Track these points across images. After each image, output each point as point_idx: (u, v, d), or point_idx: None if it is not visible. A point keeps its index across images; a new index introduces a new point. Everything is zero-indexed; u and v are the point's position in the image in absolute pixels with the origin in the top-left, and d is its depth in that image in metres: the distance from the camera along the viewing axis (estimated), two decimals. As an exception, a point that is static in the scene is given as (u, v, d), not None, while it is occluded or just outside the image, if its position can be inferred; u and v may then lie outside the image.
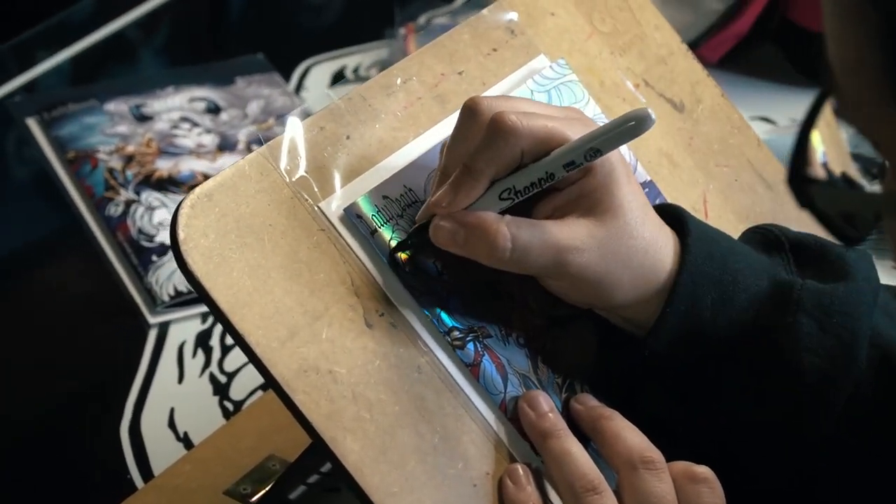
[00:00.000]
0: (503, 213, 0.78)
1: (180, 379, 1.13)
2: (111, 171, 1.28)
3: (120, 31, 1.49)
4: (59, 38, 1.46)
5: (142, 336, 1.15)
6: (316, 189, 0.80)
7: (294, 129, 0.81)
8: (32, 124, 1.34)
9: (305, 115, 0.82)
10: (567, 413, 0.82)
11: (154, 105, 1.37)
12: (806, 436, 0.81)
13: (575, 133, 0.77)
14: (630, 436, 0.79)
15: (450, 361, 0.79)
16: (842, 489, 0.83)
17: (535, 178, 0.77)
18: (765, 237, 0.86)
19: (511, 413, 0.80)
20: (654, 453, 0.78)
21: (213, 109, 1.38)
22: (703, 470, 0.78)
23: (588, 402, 0.82)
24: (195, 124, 1.35)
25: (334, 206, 0.80)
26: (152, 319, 1.17)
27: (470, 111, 0.78)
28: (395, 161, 0.83)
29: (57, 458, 1.06)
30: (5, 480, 1.04)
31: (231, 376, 1.12)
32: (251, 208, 0.77)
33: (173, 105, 1.37)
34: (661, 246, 0.81)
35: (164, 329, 1.16)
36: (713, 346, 0.81)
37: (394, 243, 0.80)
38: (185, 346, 1.15)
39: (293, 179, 0.79)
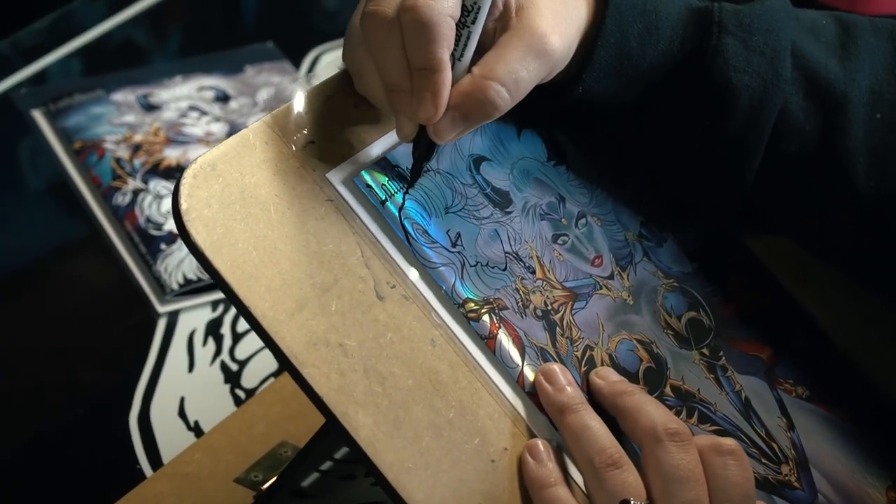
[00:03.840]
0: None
1: (191, 367, 1.10)
2: (118, 160, 1.26)
3: (128, 22, 1.47)
4: (66, 30, 1.44)
5: (151, 325, 1.13)
6: (323, 159, 0.77)
7: (300, 98, 0.78)
8: (38, 116, 1.32)
9: (312, 84, 0.79)
10: (587, 388, 0.79)
11: (162, 94, 1.34)
12: (741, 160, 0.83)
13: None
14: (652, 409, 0.76)
15: (464, 334, 0.77)
16: (777, 202, 0.87)
17: (464, 19, 0.74)
18: None
19: (528, 387, 0.77)
20: (679, 425, 0.75)
21: (222, 98, 1.35)
22: (730, 442, 0.75)
23: (609, 377, 0.80)
24: (204, 113, 1.33)
25: (342, 175, 0.77)
26: (161, 308, 1.14)
27: (375, 21, 0.74)
28: (404, 131, 0.81)
29: (66, 448, 1.03)
30: (15, 469, 1.02)
31: (243, 364, 1.10)
32: (256, 178, 0.75)
33: (181, 94, 1.35)
34: None
35: (173, 318, 1.14)
36: (643, 78, 0.82)
37: (403, 212, 0.77)
38: (196, 334, 1.12)
39: (299, 149, 0.77)
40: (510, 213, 0.82)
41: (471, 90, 0.74)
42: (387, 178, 0.78)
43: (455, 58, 0.75)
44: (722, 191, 0.85)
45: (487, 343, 0.77)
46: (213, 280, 0.72)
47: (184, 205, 0.72)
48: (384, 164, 0.79)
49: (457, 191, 0.81)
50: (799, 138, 0.83)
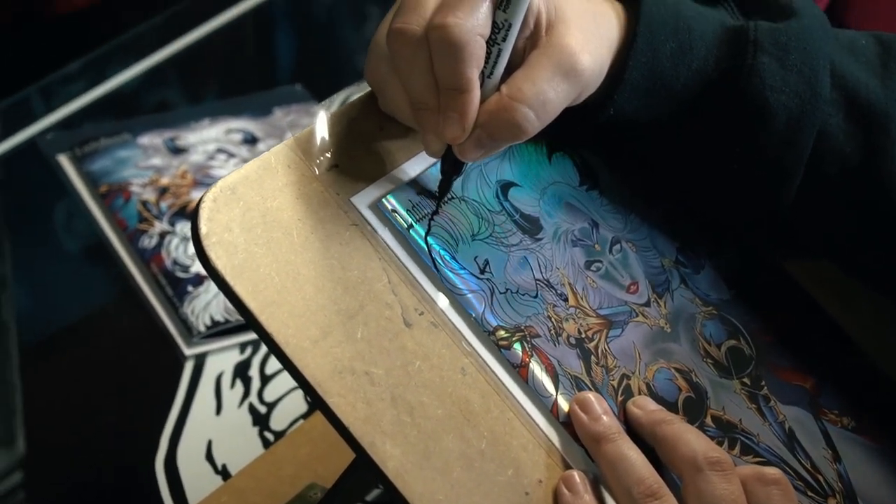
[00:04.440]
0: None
1: (218, 410, 1.08)
2: (145, 203, 1.24)
3: (156, 67, 1.46)
4: (94, 76, 1.43)
5: (178, 368, 1.11)
6: (347, 182, 0.75)
7: (323, 121, 0.76)
8: (64, 160, 1.30)
9: (336, 107, 0.77)
10: (624, 418, 0.76)
11: (189, 137, 1.33)
12: (780, 181, 0.80)
13: None
14: (693, 438, 0.73)
15: (496, 362, 0.74)
16: (818, 225, 0.84)
17: (493, 37, 0.72)
18: None
19: (563, 417, 0.74)
20: (721, 454, 0.72)
21: (250, 140, 1.34)
22: (774, 471, 0.72)
23: (647, 406, 0.77)
24: (231, 155, 1.31)
25: (367, 200, 0.75)
26: (188, 351, 1.12)
27: (402, 39, 0.72)
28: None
29: (92, 491, 1.01)
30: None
31: (271, 406, 1.07)
32: (278, 202, 0.73)
33: (209, 137, 1.33)
34: (608, 14, 0.78)
35: (200, 361, 1.12)
36: (676, 97, 0.79)
37: (430, 238, 0.75)
38: (223, 376, 1.10)
39: (322, 172, 0.75)
40: (540, 239, 0.80)
41: (498, 111, 0.72)
42: (412, 203, 0.76)
43: (484, 76, 0.72)
44: (760, 213, 0.82)
45: (520, 372, 0.74)
46: (234, 306, 0.70)
47: (203, 229, 0.70)
48: (410, 189, 0.76)
49: (483, 218, 0.78)
50: (839, 159, 0.80)
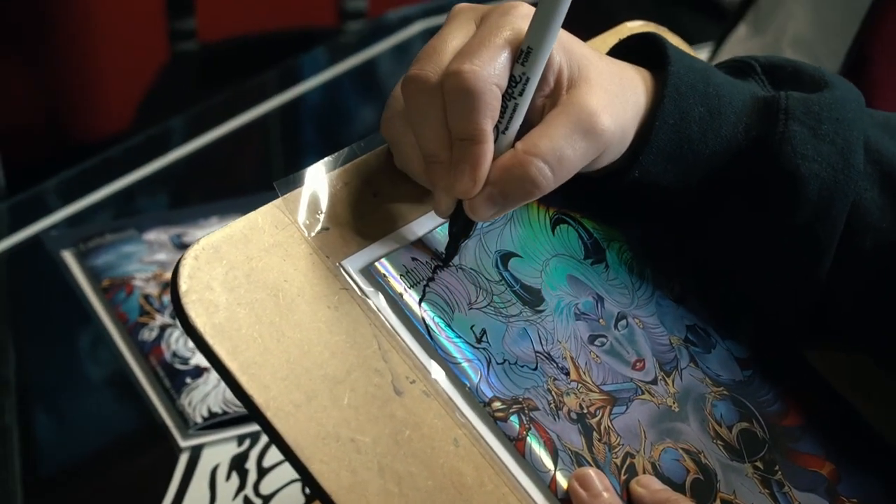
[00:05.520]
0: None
1: (212, 503, 1.03)
2: (146, 297, 1.22)
3: (165, 168, 1.45)
4: (102, 175, 1.42)
5: (172, 460, 1.07)
6: (338, 246, 0.72)
7: (314, 183, 0.73)
8: (68, 256, 1.29)
9: (328, 169, 0.75)
10: (627, 497, 0.72)
11: (196, 234, 1.31)
12: (812, 254, 0.77)
13: (516, 34, 0.70)
14: (698, 516, 0.69)
15: (491, 435, 0.70)
16: (849, 306, 0.80)
17: (509, 91, 0.70)
18: (733, 64, 0.82)
19: (562, 494, 0.70)
20: (727, 532, 0.68)
21: (259, 238, 1.31)
22: None
23: (651, 486, 0.73)
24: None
25: (359, 264, 0.72)
26: (184, 443, 1.09)
27: (416, 87, 0.70)
28: (426, 222, 0.76)
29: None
30: None
31: (267, 499, 1.04)
32: (264, 262, 0.70)
33: (217, 233, 1.31)
34: (635, 81, 0.76)
35: (196, 453, 1.08)
36: (704, 164, 0.77)
37: (424, 305, 0.72)
38: (219, 469, 1.06)
39: (313, 234, 0.72)
40: (542, 311, 0.76)
41: (512, 166, 0.70)
42: (406, 269, 0.73)
43: (499, 131, 0.70)
44: (791, 288, 0.79)
45: (516, 445, 0.70)
46: (214, 368, 0.67)
47: (183, 286, 0.67)
48: (404, 254, 0.73)
49: (482, 287, 0.75)
50: (874, 235, 0.77)
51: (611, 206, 0.81)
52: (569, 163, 0.70)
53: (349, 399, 0.68)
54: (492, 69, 0.68)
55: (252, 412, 0.66)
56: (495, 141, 0.70)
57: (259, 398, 0.65)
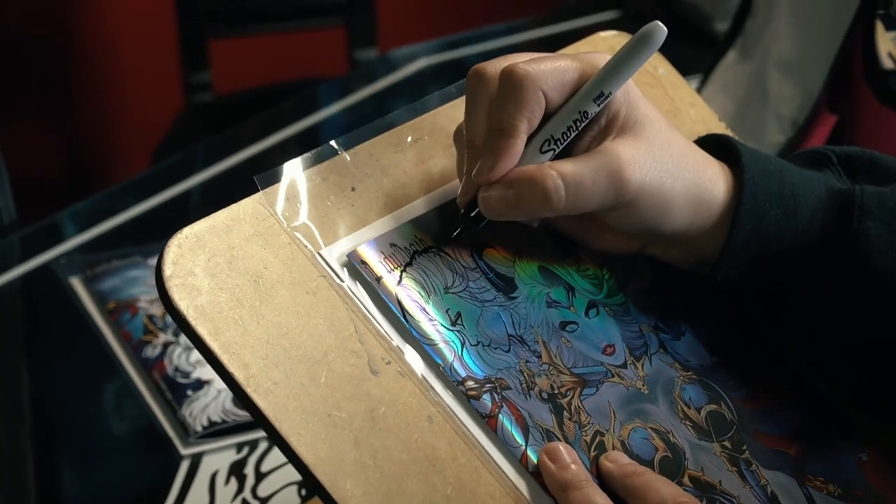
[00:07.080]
0: None
1: (210, 506, 1.07)
2: (150, 317, 1.26)
3: (174, 199, 1.49)
4: (115, 205, 1.46)
5: (173, 467, 1.10)
6: (316, 236, 0.76)
7: (294, 178, 0.77)
8: (76, 283, 1.33)
9: (306, 165, 0.78)
10: (596, 472, 0.75)
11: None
12: (887, 346, 0.79)
13: (587, 65, 0.75)
14: (662, 486, 0.73)
15: (464, 412, 0.73)
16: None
17: (570, 121, 0.75)
18: (810, 155, 0.84)
19: (532, 467, 0.73)
20: (689, 499, 0.71)
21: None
22: None
23: (619, 460, 0.76)
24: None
25: (336, 253, 0.76)
26: (184, 451, 1.12)
27: (477, 76, 0.76)
28: (404, 214, 0.79)
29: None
30: None
31: (265, 502, 1.07)
32: (245, 251, 0.73)
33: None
34: (710, 171, 0.79)
35: (196, 460, 1.11)
36: (783, 263, 0.79)
37: (400, 289, 0.75)
38: (218, 475, 1.10)
39: (292, 225, 0.75)
40: (515, 298, 0.80)
41: (531, 172, 0.74)
42: (384, 255, 0.76)
43: (539, 149, 0.75)
44: (859, 370, 0.82)
45: (488, 422, 0.73)
46: (196, 347, 0.70)
47: (167, 271, 0.71)
48: (381, 242, 0.77)
49: (458, 273, 0.78)
50: None
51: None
52: (585, 192, 0.74)
53: (326, 378, 0.71)
54: (544, 76, 0.73)
55: (233, 389, 0.69)
56: (530, 153, 0.75)
57: (239, 375, 0.69)
